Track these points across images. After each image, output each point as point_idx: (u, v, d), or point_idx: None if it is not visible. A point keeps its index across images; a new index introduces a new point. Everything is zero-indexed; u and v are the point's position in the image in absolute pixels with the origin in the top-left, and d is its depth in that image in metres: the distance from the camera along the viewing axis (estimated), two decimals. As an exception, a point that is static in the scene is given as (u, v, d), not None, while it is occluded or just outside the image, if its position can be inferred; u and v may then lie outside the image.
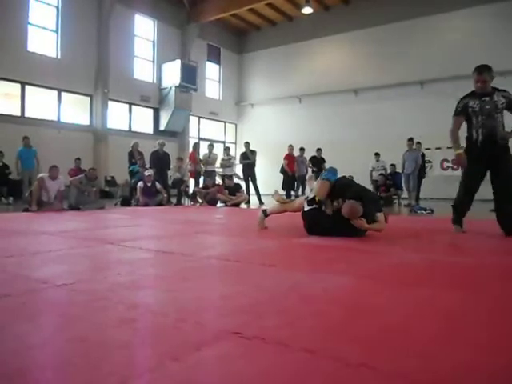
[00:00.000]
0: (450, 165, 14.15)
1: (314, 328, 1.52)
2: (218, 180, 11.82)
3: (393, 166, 11.84)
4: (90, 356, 1.26)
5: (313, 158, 12.78)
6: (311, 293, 2.03)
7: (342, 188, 4.07)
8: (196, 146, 12.05)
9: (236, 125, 19.81)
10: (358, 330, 1.50)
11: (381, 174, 12.02)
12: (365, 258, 3.06)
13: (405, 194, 11.07)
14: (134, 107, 15.30)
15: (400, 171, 11.16)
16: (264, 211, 4.77)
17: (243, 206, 10.39)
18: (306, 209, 4.19)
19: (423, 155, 10.93)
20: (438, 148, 12.84)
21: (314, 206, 4.10)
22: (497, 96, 4.18)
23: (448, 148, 13.73)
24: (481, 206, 10.07)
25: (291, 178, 12.38)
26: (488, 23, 13.81)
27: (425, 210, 8.38)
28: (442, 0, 14.30)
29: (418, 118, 14.46)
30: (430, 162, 13.02)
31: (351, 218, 3.79)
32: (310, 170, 12.84)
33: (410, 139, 10.82)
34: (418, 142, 10.88)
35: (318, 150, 12.84)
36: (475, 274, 2.55)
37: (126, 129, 15.06)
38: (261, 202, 11.22)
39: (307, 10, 15.82)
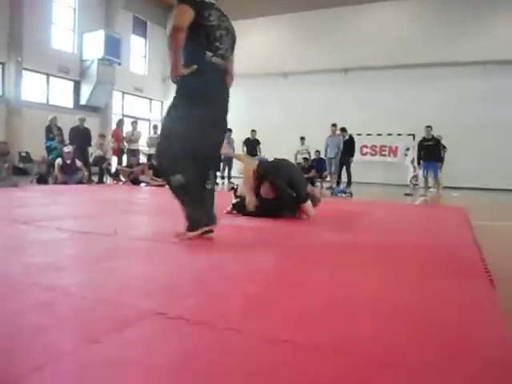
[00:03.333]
0: (368, 151, 14.89)
1: (238, 307, 1.55)
2: (143, 159, 11.48)
3: (318, 152, 12.19)
4: (0, 342, 1.18)
5: (246, 141, 12.71)
6: (234, 273, 2.05)
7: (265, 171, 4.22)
8: (120, 123, 11.59)
9: (162, 102, 19.24)
10: (281, 308, 1.55)
11: (304, 158, 12.38)
12: (286, 238, 3.15)
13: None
14: (52, 78, 14.28)
15: (323, 156, 11.55)
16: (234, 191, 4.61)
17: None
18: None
19: (352, 140, 11.31)
20: (359, 134, 13.41)
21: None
22: None
23: (368, 135, 14.48)
24: (397, 190, 10.77)
25: None
26: (411, 16, 14.57)
27: (344, 192, 8.78)
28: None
29: (342, 105, 14.99)
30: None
31: (269, 197, 4.08)
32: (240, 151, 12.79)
33: (334, 125, 11.20)
34: (343, 129, 11.28)
35: (253, 131, 12.76)
36: (386, 251, 2.72)
37: (44, 101, 14.06)
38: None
39: (238, -10, 15.63)
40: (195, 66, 2.65)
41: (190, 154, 2.70)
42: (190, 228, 2.78)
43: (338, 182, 11.01)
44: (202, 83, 2.70)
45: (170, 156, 2.74)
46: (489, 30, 13.62)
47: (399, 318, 1.49)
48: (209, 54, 2.69)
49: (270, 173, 4.14)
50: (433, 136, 9.79)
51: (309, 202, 4.16)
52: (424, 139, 9.87)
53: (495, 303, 1.68)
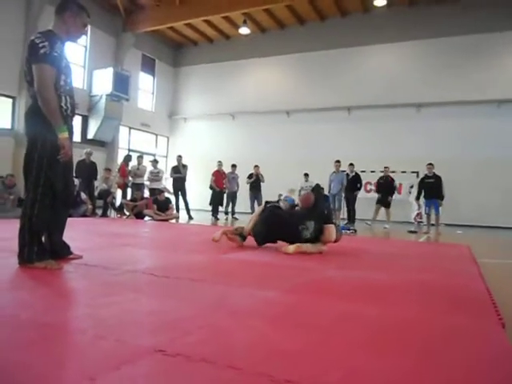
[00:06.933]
0: (372, 188, 14.91)
1: (240, 343, 1.51)
2: (147, 193, 11.53)
3: (322, 189, 12.18)
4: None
5: (250, 176, 12.74)
6: (238, 308, 2.02)
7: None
8: (127, 159, 11.71)
9: (168, 138, 19.52)
10: (283, 345, 1.51)
11: (308, 194, 12.35)
12: (292, 273, 3.11)
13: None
14: (60, 113, 14.57)
15: (327, 193, 11.56)
16: (241, 236, 4.54)
17: (172, 220, 10.21)
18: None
19: (358, 176, 11.46)
20: (363, 171, 13.47)
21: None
22: None
23: (371, 172, 14.54)
24: (401, 227, 10.70)
25: (219, 194, 12.32)
26: (416, 56, 14.91)
27: (348, 229, 8.72)
28: (369, 33, 15.22)
29: (346, 142, 15.14)
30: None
31: (304, 205, 4.54)
32: (240, 185, 12.82)
33: (338, 161, 11.29)
34: (351, 164, 11.42)
35: (256, 166, 12.81)
36: (391, 289, 2.68)
37: (51, 135, 14.29)
38: (190, 217, 11.09)
39: (244, 31, 16.11)
40: None
41: None
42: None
43: (344, 219, 10.99)
44: None
45: None
46: (500, 70, 13.79)
47: (404, 356, 1.45)
48: None
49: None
50: (434, 173, 9.83)
51: (333, 226, 4.51)
52: (426, 176, 9.92)
53: (505, 339, 1.64)
